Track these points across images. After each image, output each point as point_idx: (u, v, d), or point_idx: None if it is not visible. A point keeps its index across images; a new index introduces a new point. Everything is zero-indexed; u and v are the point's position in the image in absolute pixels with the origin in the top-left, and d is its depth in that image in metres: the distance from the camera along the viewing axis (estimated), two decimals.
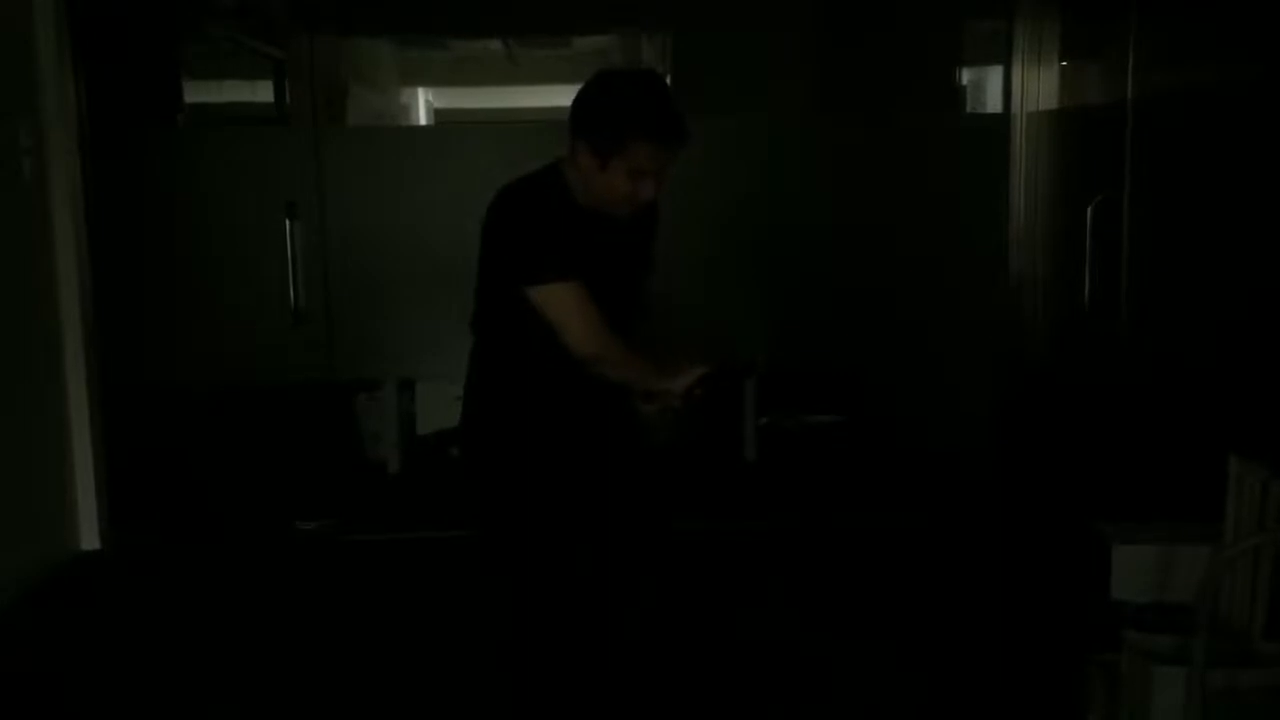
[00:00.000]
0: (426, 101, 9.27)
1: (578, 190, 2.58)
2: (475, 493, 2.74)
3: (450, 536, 4.05)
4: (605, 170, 2.51)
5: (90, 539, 4.41)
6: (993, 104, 4.86)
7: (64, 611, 3.90)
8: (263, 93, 6.05)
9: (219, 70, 6.02)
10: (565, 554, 2.68)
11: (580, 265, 2.53)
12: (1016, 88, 4.55)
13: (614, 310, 2.60)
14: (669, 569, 2.81)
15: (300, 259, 4.69)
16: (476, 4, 6.43)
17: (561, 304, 2.51)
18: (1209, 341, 3.59)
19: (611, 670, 2.79)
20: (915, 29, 5.50)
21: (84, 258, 4.32)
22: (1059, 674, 3.00)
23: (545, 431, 2.67)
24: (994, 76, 4.82)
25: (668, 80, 7.12)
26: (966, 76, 5.27)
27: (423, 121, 9.08)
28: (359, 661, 3.40)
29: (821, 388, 5.82)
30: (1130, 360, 3.94)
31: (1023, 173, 4.57)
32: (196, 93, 5.76)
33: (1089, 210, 3.93)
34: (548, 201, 2.57)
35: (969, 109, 5.20)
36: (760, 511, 4.65)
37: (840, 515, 4.60)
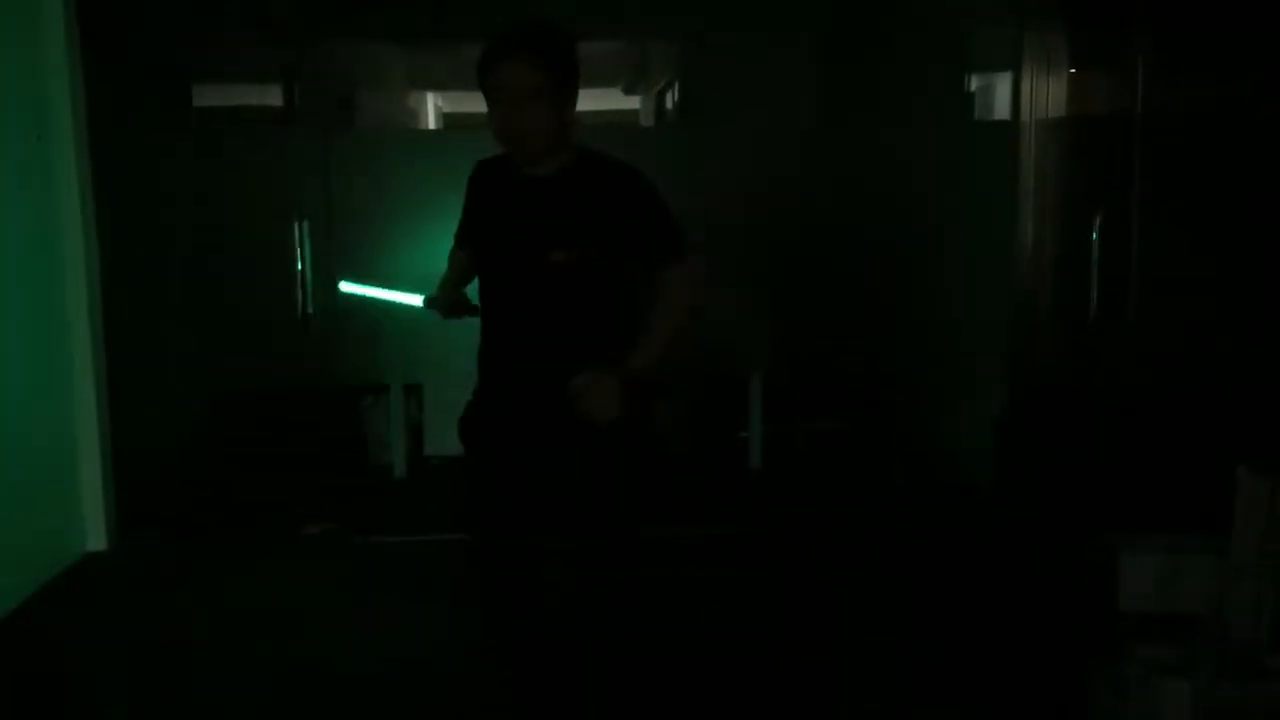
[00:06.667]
0: (435, 105, 9.28)
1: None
2: None
3: (456, 540, 4.06)
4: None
5: (97, 540, 4.42)
6: (1001, 112, 4.85)
7: (71, 612, 3.91)
8: (271, 96, 6.05)
9: (227, 73, 6.03)
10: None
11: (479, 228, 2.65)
12: (1025, 96, 4.55)
13: (520, 269, 2.54)
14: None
15: (308, 262, 4.70)
16: (485, 8, 6.44)
17: None
18: (1216, 351, 3.59)
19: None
20: (923, 37, 5.50)
21: (92, 260, 4.34)
22: (1065, 683, 3.00)
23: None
24: (1003, 85, 4.81)
25: (675, 87, 7.13)
26: (975, 84, 5.26)
27: (431, 125, 9.09)
28: (364, 665, 3.40)
29: (827, 395, 5.82)
30: (1137, 369, 3.94)
31: (1031, 181, 4.57)
32: (205, 96, 5.77)
33: (1097, 218, 3.92)
34: (476, 168, 2.70)
35: (977, 117, 5.19)
36: (766, 518, 4.64)
37: (845, 521, 4.60)
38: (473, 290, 2.72)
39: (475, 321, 2.70)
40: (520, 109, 2.45)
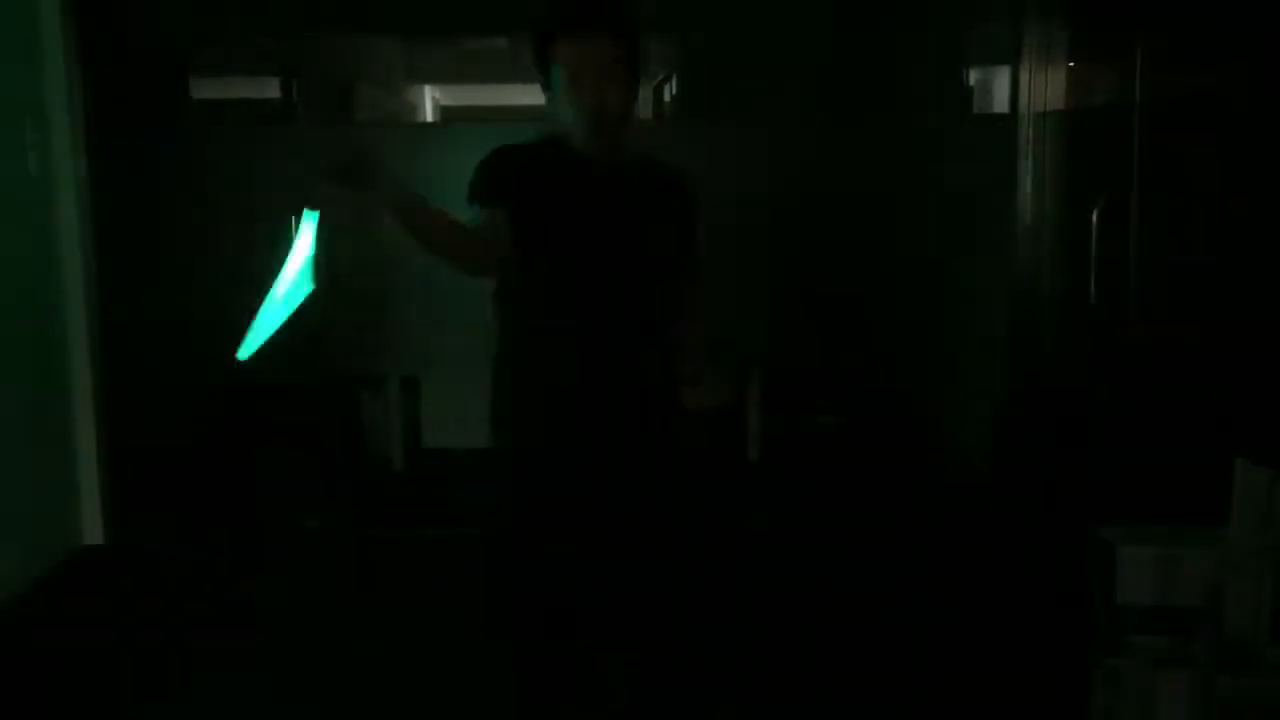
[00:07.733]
0: (433, 98, 9.27)
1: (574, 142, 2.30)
2: None
3: (455, 534, 4.06)
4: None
5: (94, 534, 4.41)
6: (1000, 105, 4.85)
7: (68, 606, 3.91)
8: (270, 90, 6.06)
9: (226, 67, 6.03)
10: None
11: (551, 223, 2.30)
12: (1024, 88, 4.54)
13: (618, 269, 2.33)
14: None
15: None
16: (483, 1, 6.44)
17: None
18: (1215, 344, 3.58)
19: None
20: (921, 29, 5.50)
21: (89, 253, 4.33)
22: (1062, 677, 3.00)
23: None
24: (1001, 77, 4.81)
25: (673, 80, 7.12)
26: (973, 77, 5.25)
27: (429, 118, 9.08)
28: (362, 659, 3.40)
29: (826, 389, 5.82)
30: (1136, 362, 3.93)
31: (1030, 174, 4.56)
32: (203, 90, 5.76)
33: (1095, 212, 3.92)
34: (520, 144, 2.38)
35: (976, 109, 5.18)
36: (764, 513, 4.64)
37: (844, 516, 4.60)
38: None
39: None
40: (612, 85, 2.20)
